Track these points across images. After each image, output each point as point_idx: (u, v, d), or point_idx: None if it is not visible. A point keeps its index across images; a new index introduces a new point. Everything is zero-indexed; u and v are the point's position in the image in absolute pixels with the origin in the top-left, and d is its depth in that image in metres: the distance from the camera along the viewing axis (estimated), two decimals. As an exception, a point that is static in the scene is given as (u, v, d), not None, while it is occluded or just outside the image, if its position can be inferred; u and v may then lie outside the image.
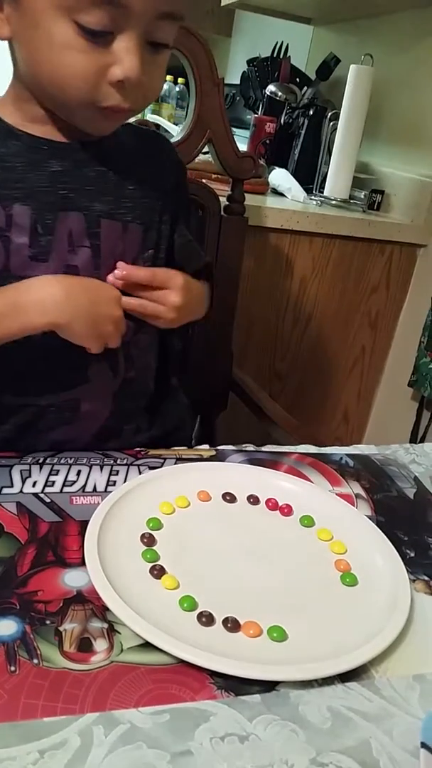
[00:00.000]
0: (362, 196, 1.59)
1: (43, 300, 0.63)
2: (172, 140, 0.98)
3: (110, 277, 0.69)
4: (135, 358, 0.78)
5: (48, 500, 0.62)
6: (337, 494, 0.69)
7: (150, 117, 2.25)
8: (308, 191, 1.61)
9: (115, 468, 0.68)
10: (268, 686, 0.46)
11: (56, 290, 0.63)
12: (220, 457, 0.75)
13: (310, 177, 1.67)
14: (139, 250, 0.74)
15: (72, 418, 0.74)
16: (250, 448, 0.80)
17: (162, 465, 0.70)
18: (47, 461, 0.68)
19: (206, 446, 0.78)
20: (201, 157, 1.10)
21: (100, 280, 0.69)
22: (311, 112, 1.69)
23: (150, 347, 0.82)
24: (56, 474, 0.66)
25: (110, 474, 0.67)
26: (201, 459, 0.73)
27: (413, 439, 1.57)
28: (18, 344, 0.64)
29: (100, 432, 0.76)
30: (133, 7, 0.55)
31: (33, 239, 0.67)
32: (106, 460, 0.70)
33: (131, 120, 0.73)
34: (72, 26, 0.55)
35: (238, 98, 2.18)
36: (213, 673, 0.46)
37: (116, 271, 0.69)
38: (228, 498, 0.66)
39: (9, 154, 0.66)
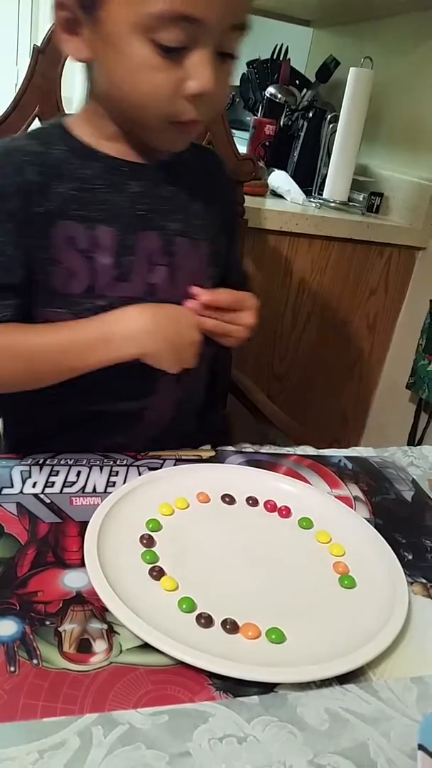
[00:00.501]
0: (361, 199, 1.59)
1: (134, 332, 0.65)
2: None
3: (192, 303, 0.70)
4: (196, 368, 0.78)
5: (48, 501, 0.62)
6: (335, 497, 0.70)
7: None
8: (307, 193, 1.62)
9: (115, 469, 0.69)
10: (266, 688, 0.46)
11: (145, 321, 0.65)
12: (219, 459, 0.75)
13: (309, 179, 1.67)
14: (206, 266, 0.76)
15: (135, 424, 0.77)
16: (249, 448, 0.80)
17: (161, 466, 0.70)
18: (47, 462, 0.68)
19: (207, 446, 0.78)
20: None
21: (177, 297, 0.71)
22: (311, 115, 1.69)
23: (208, 358, 0.83)
24: (56, 475, 0.66)
25: (110, 475, 0.67)
26: (200, 460, 0.73)
27: (411, 441, 1.57)
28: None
29: (158, 436, 0.77)
30: (208, 22, 0.56)
31: (116, 260, 0.69)
32: (105, 461, 0.70)
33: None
34: (149, 45, 0.56)
35: (237, 100, 2.18)
36: (211, 675, 0.46)
37: (201, 297, 0.69)
38: (227, 499, 0.66)
39: (91, 176, 0.68)
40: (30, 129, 0.73)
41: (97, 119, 0.67)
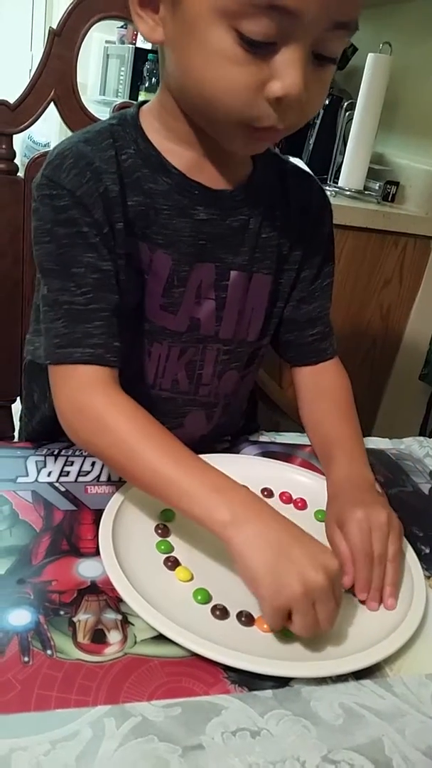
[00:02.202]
0: (377, 188, 1.57)
1: (254, 540, 0.49)
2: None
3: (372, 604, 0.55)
4: (232, 405, 0.77)
5: (63, 489, 0.62)
6: (350, 489, 0.69)
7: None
8: (323, 181, 1.60)
9: (129, 459, 0.68)
10: (281, 681, 0.46)
11: (274, 541, 0.49)
12: (234, 449, 0.74)
13: (324, 167, 1.65)
14: (267, 303, 0.71)
15: None
16: (264, 438, 0.79)
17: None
18: (62, 453, 0.67)
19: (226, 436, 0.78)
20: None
21: (218, 330, 0.68)
22: (327, 102, 1.67)
23: (247, 394, 0.81)
24: (71, 465, 0.66)
25: (124, 464, 0.67)
26: (215, 451, 0.73)
27: (423, 432, 1.56)
28: (128, 391, 0.59)
29: None
30: (305, 15, 0.47)
31: (166, 290, 0.64)
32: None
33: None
34: (232, 34, 0.48)
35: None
36: (227, 668, 0.45)
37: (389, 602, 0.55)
38: (241, 491, 0.66)
39: (159, 192, 0.61)
40: (103, 122, 0.64)
41: (169, 118, 0.60)
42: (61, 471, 0.65)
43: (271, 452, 0.75)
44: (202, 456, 0.69)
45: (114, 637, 0.47)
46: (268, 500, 0.65)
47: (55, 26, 0.86)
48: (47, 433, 0.71)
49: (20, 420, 0.84)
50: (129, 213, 0.61)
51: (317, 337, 0.75)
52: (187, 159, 0.62)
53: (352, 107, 1.56)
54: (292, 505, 0.65)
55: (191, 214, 0.63)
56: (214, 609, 0.50)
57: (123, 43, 2.60)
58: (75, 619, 0.48)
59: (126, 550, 0.53)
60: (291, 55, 0.49)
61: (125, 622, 0.48)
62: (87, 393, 0.58)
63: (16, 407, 0.91)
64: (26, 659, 0.44)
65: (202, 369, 0.70)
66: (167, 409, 0.71)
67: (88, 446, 0.59)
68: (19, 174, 0.88)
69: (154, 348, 0.67)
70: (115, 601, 0.49)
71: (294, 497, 0.66)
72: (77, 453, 0.68)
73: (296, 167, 0.74)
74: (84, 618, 0.48)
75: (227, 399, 0.74)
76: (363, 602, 0.54)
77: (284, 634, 0.49)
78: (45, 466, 0.65)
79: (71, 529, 0.57)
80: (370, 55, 1.48)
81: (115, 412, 0.57)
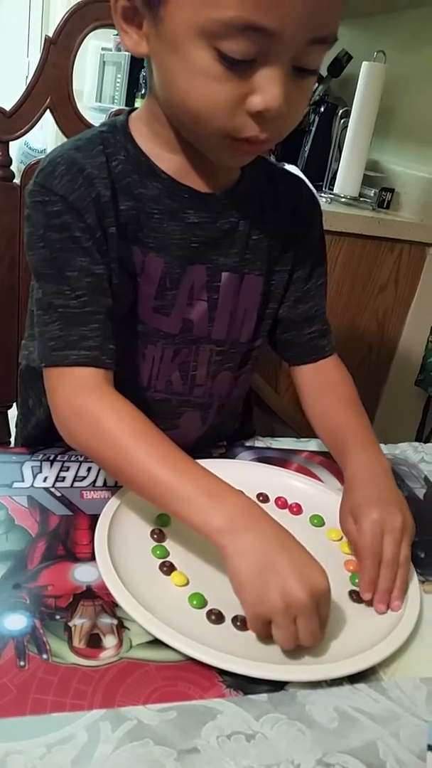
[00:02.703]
0: (372, 194, 1.58)
1: (248, 549, 0.49)
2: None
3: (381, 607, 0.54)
4: (227, 407, 0.77)
5: (59, 494, 0.62)
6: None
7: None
8: (318, 188, 1.61)
9: (124, 464, 0.68)
10: (277, 685, 0.46)
11: (268, 549, 0.49)
12: (229, 455, 0.75)
13: (320, 174, 1.66)
14: (259, 305, 0.72)
15: None
16: (260, 443, 0.80)
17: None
18: (58, 458, 0.68)
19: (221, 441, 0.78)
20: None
21: (213, 334, 0.68)
22: (322, 109, 1.68)
23: (242, 396, 0.81)
24: (66, 470, 0.66)
25: (119, 470, 0.67)
26: (210, 456, 0.73)
27: (419, 438, 1.57)
28: (123, 393, 0.59)
29: None
30: (283, 35, 0.48)
31: (159, 292, 0.65)
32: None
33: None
34: (212, 53, 0.49)
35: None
36: (222, 672, 0.46)
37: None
38: (237, 496, 0.66)
39: (149, 196, 0.62)
40: (93, 129, 0.66)
41: (156, 124, 0.61)
42: (57, 476, 0.65)
43: (266, 457, 0.75)
44: (197, 461, 0.70)
45: (109, 641, 0.47)
46: (264, 505, 0.65)
47: (51, 34, 0.87)
48: (43, 438, 0.71)
49: (16, 425, 0.84)
50: (121, 217, 0.62)
51: (315, 334, 0.76)
52: (175, 164, 0.63)
53: (347, 115, 1.57)
54: (287, 510, 0.65)
55: (182, 218, 0.64)
56: (209, 613, 0.50)
57: (119, 50, 2.60)
58: (71, 624, 0.48)
59: (122, 555, 0.53)
60: (271, 71, 0.50)
61: (121, 627, 0.48)
62: (83, 395, 0.58)
63: (13, 413, 0.91)
64: (22, 663, 0.44)
65: (195, 370, 0.71)
66: (162, 411, 0.71)
67: (85, 449, 0.59)
68: (15, 180, 0.88)
69: (148, 350, 0.68)
70: (111, 606, 0.50)
71: (289, 502, 0.66)
72: (73, 458, 0.68)
73: (286, 171, 0.75)
74: (80, 622, 0.48)
75: (221, 400, 0.75)
76: (368, 604, 0.54)
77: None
78: (41, 471, 0.65)
79: (67, 534, 0.57)
80: (365, 64, 1.49)
81: (111, 414, 0.57)
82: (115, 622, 0.48)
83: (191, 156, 0.62)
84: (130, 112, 0.66)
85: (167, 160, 0.63)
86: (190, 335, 0.68)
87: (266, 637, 0.48)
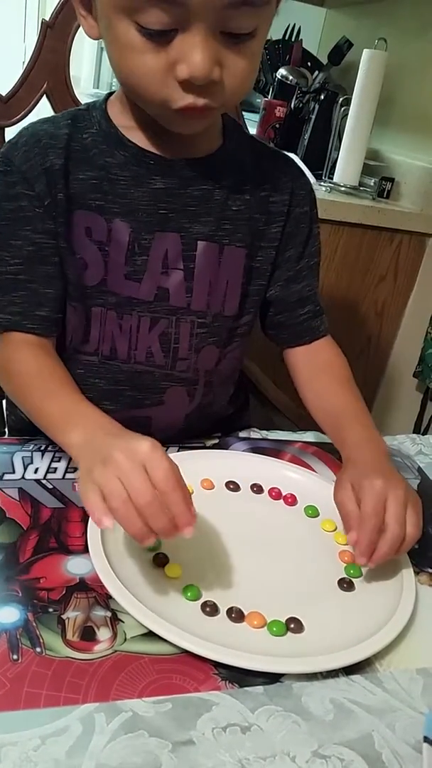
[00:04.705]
0: (372, 184, 1.57)
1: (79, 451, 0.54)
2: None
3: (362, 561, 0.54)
4: (215, 384, 0.77)
5: (50, 486, 0.61)
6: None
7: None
8: (318, 177, 1.59)
9: (119, 454, 0.68)
10: (272, 677, 0.46)
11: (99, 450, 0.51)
12: (223, 445, 0.74)
13: (319, 163, 1.65)
14: (240, 274, 0.71)
15: (140, 430, 0.67)
16: (255, 434, 0.79)
17: (165, 450, 0.69)
18: (49, 448, 0.67)
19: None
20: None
21: (193, 305, 0.69)
22: (322, 97, 1.67)
23: (233, 375, 0.81)
24: (58, 461, 0.65)
25: (114, 461, 0.67)
26: (204, 447, 0.72)
27: (417, 429, 1.57)
28: (104, 365, 0.65)
29: (168, 438, 0.73)
30: (191, 2, 0.50)
31: (129, 258, 0.66)
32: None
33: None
34: (133, 26, 0.52)
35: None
36: (217, 664, 0.45)
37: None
38: (231, 487, 0.66)
39: (115, 164, 0.64)
40: (74, 108, 0.69)
41: (126, 100, 0.64)
42: (48, 467, 0.64)
43: (260, 448, 0.74)
44: (190, 452, 0.69)
45: (103, 634, 0.47)
46: (258, 496, 0.66)
47: (48, 18, 0.85)
48: (29, 425, 0.71)
49: (6, 414, 0.84)
50: (76, 186, 0.64)
51: (308, 315, 0.76)
52: (145, 135, 0.65)
53: (347, 103, 1.55)
54: (282, 501, 0.65)
55: (148, 183, 0.65)
56: (204, 606, 0.50)
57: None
58: (64, 617, 0.47)
59: (114, 547, 0.53)
60: (190, 38, 0.52)
61: (115, 620, 0.48)
62: (11, 352, 0.66)
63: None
64: (15, 657, 0.43)
65: (177, 343, 0.71)
66: (145, 384, 0.72)
67: (10, 396, 0.67)
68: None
69: (124, 320, 0.69)
70: (105, 598, 0.49)
71: (284, 493, 0.66)
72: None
73: (275, 150, 0.76)
74: (73, 615, 0.48)
75: (208, 376, 0.75)
76: (361, 564, 0.55)
77: (274, 630, 0.49)
78: (32, 462, 0.65)
79: (59, 527, 0.56)
80: (366, 51, 1.47)
81: (21, 358, 0.65)
82: (108, 614, 0.48)
83: (160, 129, 0.63)
84: (111, 93, 0.68)
85: (137, 132, 0.65)
86: (167, 304, 0.68)
87: (93, 495, 0.46)
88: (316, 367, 0.76)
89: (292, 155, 0.80)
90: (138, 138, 0.65)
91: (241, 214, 0.69)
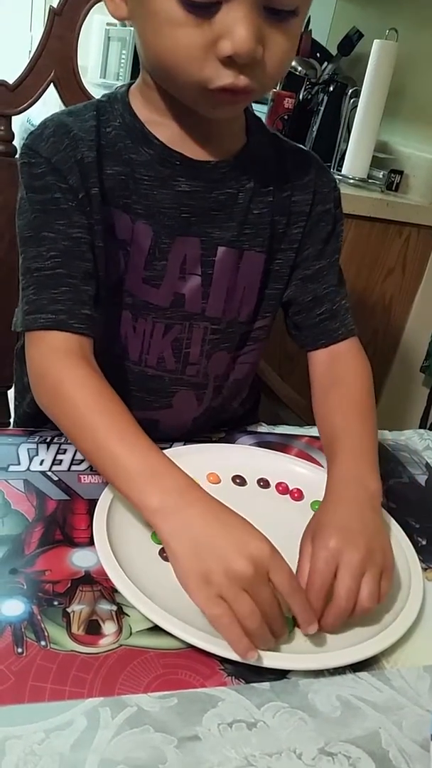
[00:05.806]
0: (381, 176, 1.56)
1: (179, 532, 0.48)
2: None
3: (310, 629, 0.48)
4: (225, 389, 0.75)
5: (56, 478, 0.61)
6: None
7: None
8: (326, 169, 1.58)
9: (125, 447, 0.67)
10: (278, 673, 0.45)
11: (200, 534, 0.48)
12: (229, 439, 0.74)
13: (328, 155, 1.64)
14: (258, 279, 0.69)
15: (149, 430, 0.61)
16: (263, 428, 0.79)
17: (170, 446, 0.69)
18: (54, 440, 0.67)
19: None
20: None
21: (208, 311, 0.66)
22: (331, 89, 1.65)
23: (245, 380, 0.79)
24: (63, 453, 0.65)
25: (120, 453, 0.66)
26: (210, 441, 0.72)
27: (423, 425, 1.56)
28: (114, 365, 0.60)
29: (176, 438, 0.73)
30: None
31: (149, 263, 0.64)
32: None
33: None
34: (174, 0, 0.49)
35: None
36: (223, 660, 0.45)
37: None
38: (238, 481, 0.65)
39: (140, 162, 0.62)
40: (94, 99, 0.66)
41: (150, 92, 0.61)
42: (54, 459, 0.64)
43: (267, 442, 0.74)
44: (197, 446, 0.69)
45: (109, 628, 0.46)
46: (264, 490, 0.65)
47: (55, 5, 0.84)
48: (38, 416, 0.70)
49: (14, 404, 0.84)
50: (107, 181, 0.61)
51: (325, 316, 0.72)
52: (170, 131, 0.62)
53: (356, 94, 1.54)
54: (288, 495, 0.65)
55: (172, 185, 0.62)
56: (210, 600, 0.49)
57: (124, 25, 2.56)
58: (69, 610, 0.47)
59: (121, 541, 0.53)
60: (236, 12, 0.49)
61: (120, 613, 0.48)
62: (50, 359, 0.59)
63: (13, 393, 0.91)
64: (20, 650, 0.43)
65: (189, 348, 0.69)
66: (155, 387, 0.70)
67: (47, 413, 0.59)
68: (17, 156, 0.86)
69: (138, 324, 0.67)
70: (110, 592, 0.49)
71: (291, 488, 0.65)
72: (69, 441, 0.67)
73: (298, 147, 0.73)
74: (78, 609, 0.47)
75: (218, 381, 0.73)
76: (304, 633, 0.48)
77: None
78: (37, 454, 0.64)
79: (64, 519, 0.56)
80: (376, 42, 1.46)
81: (72, 380, 0.57)
82: (114, 608, 0.48)
83: (187, 124, 0.61)
84: (132, 83, 0.65)
85: (162, 127, 0.62)
86: (182, 310, 0.67)
87: (229, 622, 0.44)
88: (332, 379, 0.71)
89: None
90: (163, 134, 0.62)
91: (263, 217, 0.67)
